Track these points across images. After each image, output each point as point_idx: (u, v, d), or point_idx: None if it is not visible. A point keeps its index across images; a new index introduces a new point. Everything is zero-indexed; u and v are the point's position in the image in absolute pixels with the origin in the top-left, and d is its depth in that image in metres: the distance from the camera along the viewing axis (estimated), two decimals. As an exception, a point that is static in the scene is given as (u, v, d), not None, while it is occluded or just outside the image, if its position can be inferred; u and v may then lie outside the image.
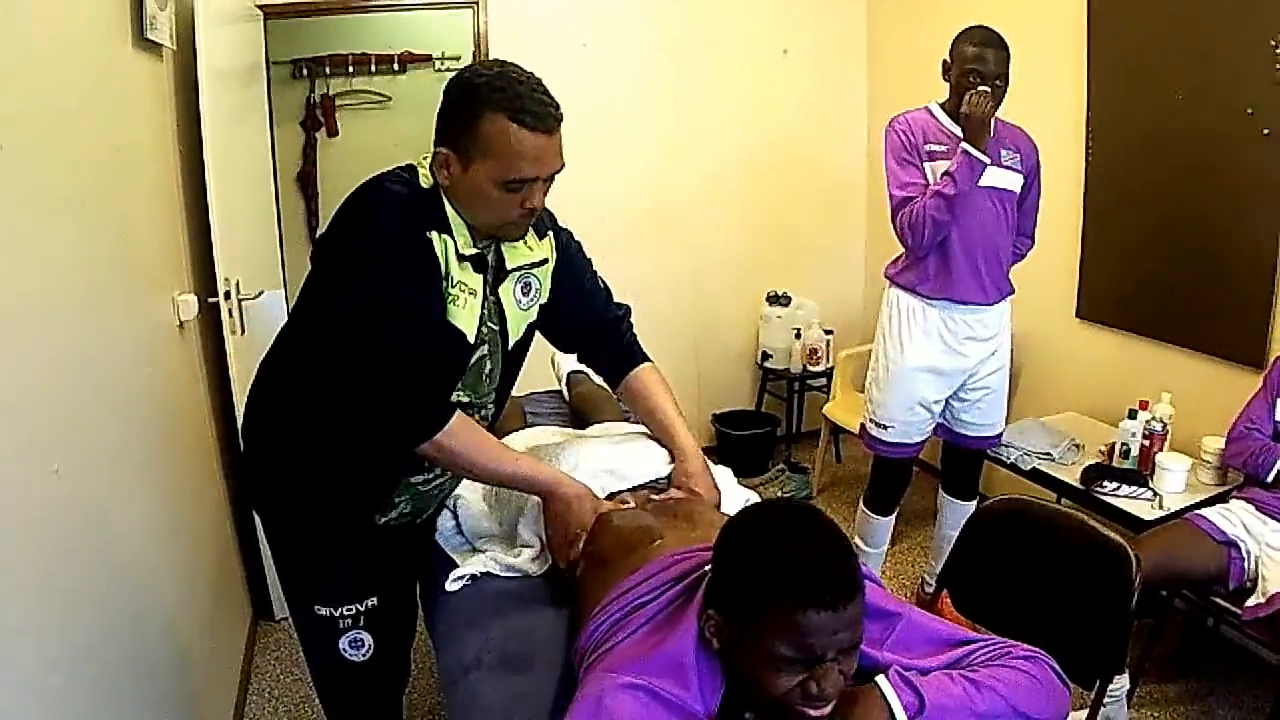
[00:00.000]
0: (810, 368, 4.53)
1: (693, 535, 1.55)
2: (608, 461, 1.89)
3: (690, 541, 1.50)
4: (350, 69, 4.73)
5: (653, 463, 1.92)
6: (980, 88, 2.58)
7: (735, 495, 2.03)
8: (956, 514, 3.13)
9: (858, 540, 3.23)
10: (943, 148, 2.74)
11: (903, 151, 2.79)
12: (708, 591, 1.26)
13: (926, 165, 2.77)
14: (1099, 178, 3.40)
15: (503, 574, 1.81)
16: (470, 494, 1.98)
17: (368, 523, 1.81)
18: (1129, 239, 3.35)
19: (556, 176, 1.60)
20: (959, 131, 2.68)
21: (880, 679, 1.20)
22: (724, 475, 2.04)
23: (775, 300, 4.62)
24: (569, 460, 1.88)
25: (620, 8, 4.31)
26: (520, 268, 1.75)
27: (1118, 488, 2.82)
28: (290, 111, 4.69)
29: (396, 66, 4.79)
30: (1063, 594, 1.89)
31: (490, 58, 3.49)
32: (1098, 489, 2.84)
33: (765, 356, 4.64)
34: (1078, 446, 3.13)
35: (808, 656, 1.10)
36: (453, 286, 1.60)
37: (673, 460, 1.93)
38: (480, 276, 1.66)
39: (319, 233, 1.66)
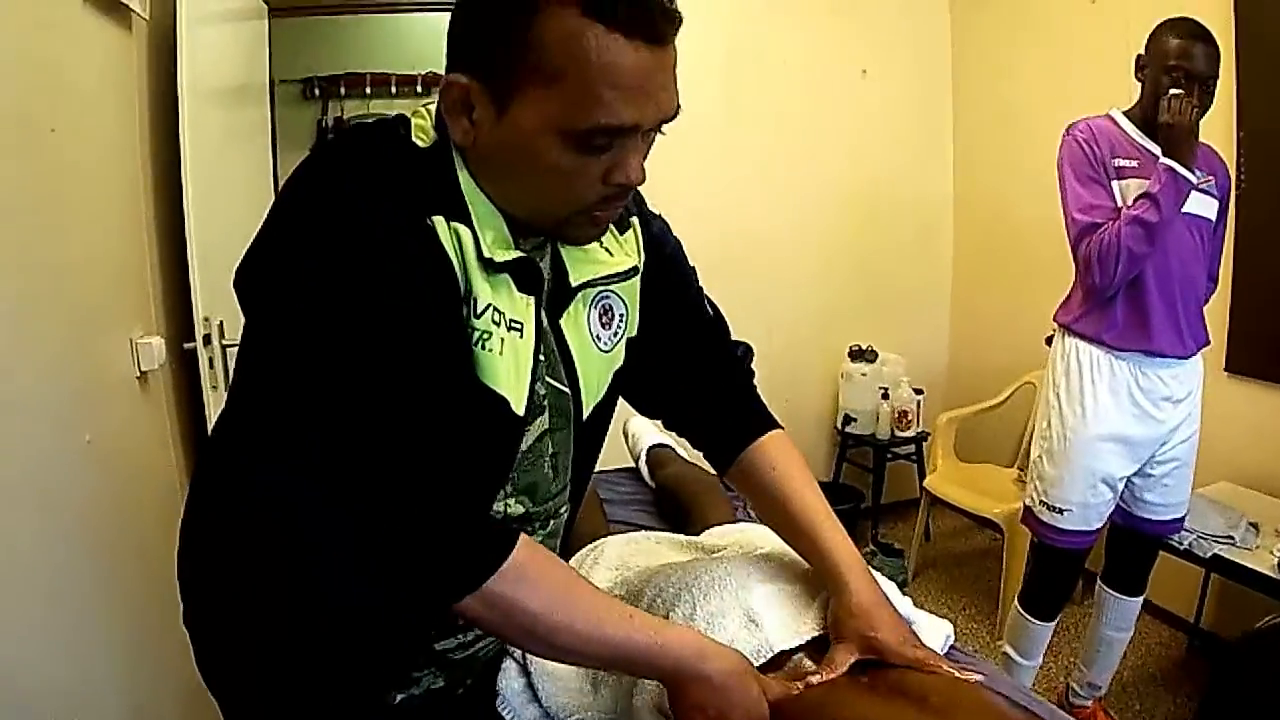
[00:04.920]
0: (899, 433, 4.09)
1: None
2: (760, 601, 1.24)
3: None
4: (368, 90, 4.40)
5: (812, 610, 1.27)
6: (1175, 91, 2.21)
7: (928, 627, 1.40)
8: (1122, 612, 2.73)
9: (1008, 650, 2.75)
10: (1133, 163, 2.34)
11: (1086, 166, 2.36)
12: None
13: (1115, 184, 2.35)
14: (1252, 210, 3.04)
15: None
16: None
17: (376, 706, 1.15)
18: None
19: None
20: (1150, 145, 2.33)
21: None
22: (901, 600, 1.38)
23: (859, 355, 4.18)
24: (708, 597, 1.24)
25: (685, 19, 3.83)
26: (593, 282, 1.13)
27: (1329, 580, 2.43)
28: (299, 135, 4.32)
29: (420, 89, 4.43)
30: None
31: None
32: (1306, 582, 2.43)
33: (848, 420, 4.19)
34: (1254, 526, 2.74)
35: None
36: (477, 316, 0.98)
37: (827, 589, 1.26)
38: (528, 299, 1.04)
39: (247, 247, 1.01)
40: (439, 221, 0.95)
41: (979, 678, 1.15)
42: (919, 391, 4.11)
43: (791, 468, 1.32)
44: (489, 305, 0.98)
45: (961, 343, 4.56)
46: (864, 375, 4.13)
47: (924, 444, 4.11)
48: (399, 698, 1.16)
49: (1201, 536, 2.66)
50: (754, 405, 1.37)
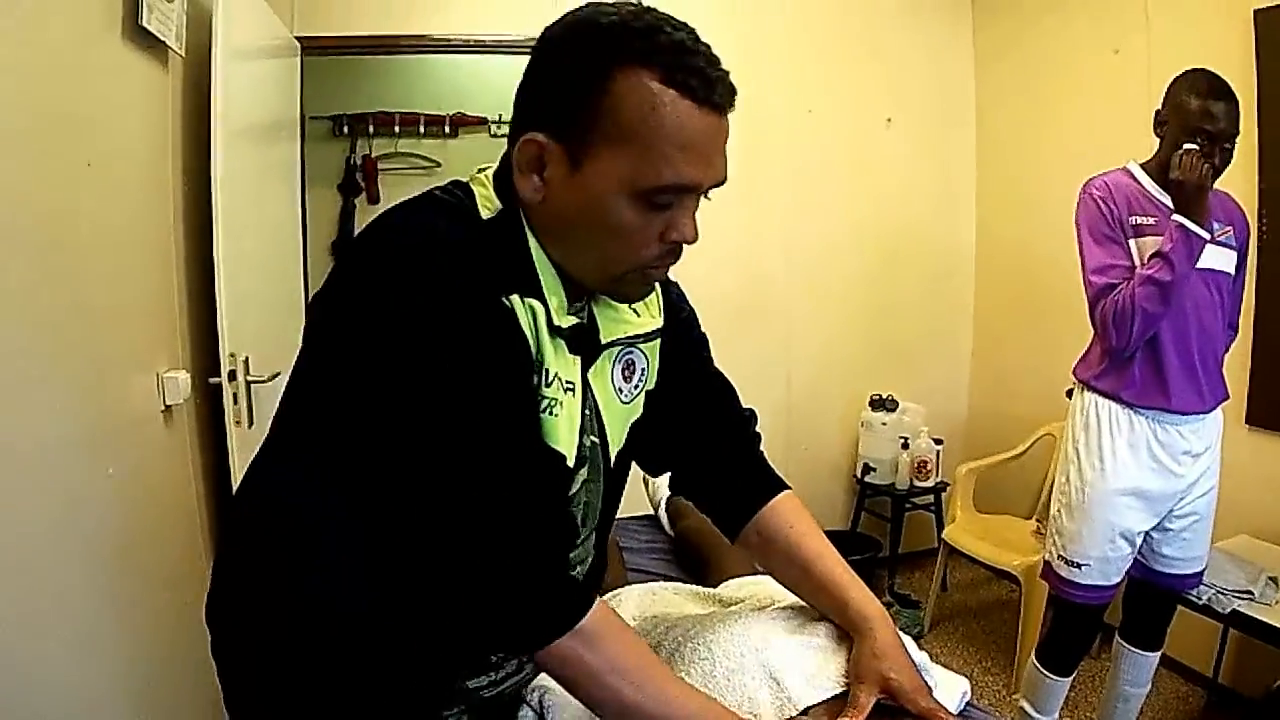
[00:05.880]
0: (918, 483, 4.04)
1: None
2: (779, 659, 1.24)
3: None
4: (397, 129, 4.47)
5: (832, 665, 1.27)
6: (1188, 145, 2.19)
7: (945, 683, 1.37)
8: (1139, 668, 2.67)
9: (1025, 705, 2.69)
10: (1151, 220, 2.31)
11: (1102, 225, 2.34)
12: None
13: (1132, 242, 2.33)
14: (1274, 261, 3.01)
15: None
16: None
17: None
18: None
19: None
20: (1167, 200, 2.29)
21: None
22: (917, 652, 1.37)
23: (879, 405, 4.14)
24: (728, 654, 1.24)
25: None
26: (620, 341, 1.18)
27: (1349, 635, 2.39)
28: (327, 173, 4.42)
29: (448, 129, 4.53)
30: None
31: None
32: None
33: (867, 469, 4.15)
34: (1274, 580, 2.69)
35: None
36: (547, 385, 1.05)
37: (847, 637, 1.28)
38: (577, 360, 1.10)
39: (316, 291, 1.07)
40: (515, 300, 1.01)
41: None
42: (939, 441, 4.06)
43: (809, 527, 1.35)
44: (556, 375, 1.05)
45: (982, 393, 4.53)
46: (884, 425, 4.09)
47: (943, 494, 4.05)
48: None
49: (1220, 591, 2.62)
50: (764, 467, 1.40)
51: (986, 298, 4.46)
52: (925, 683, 1.23)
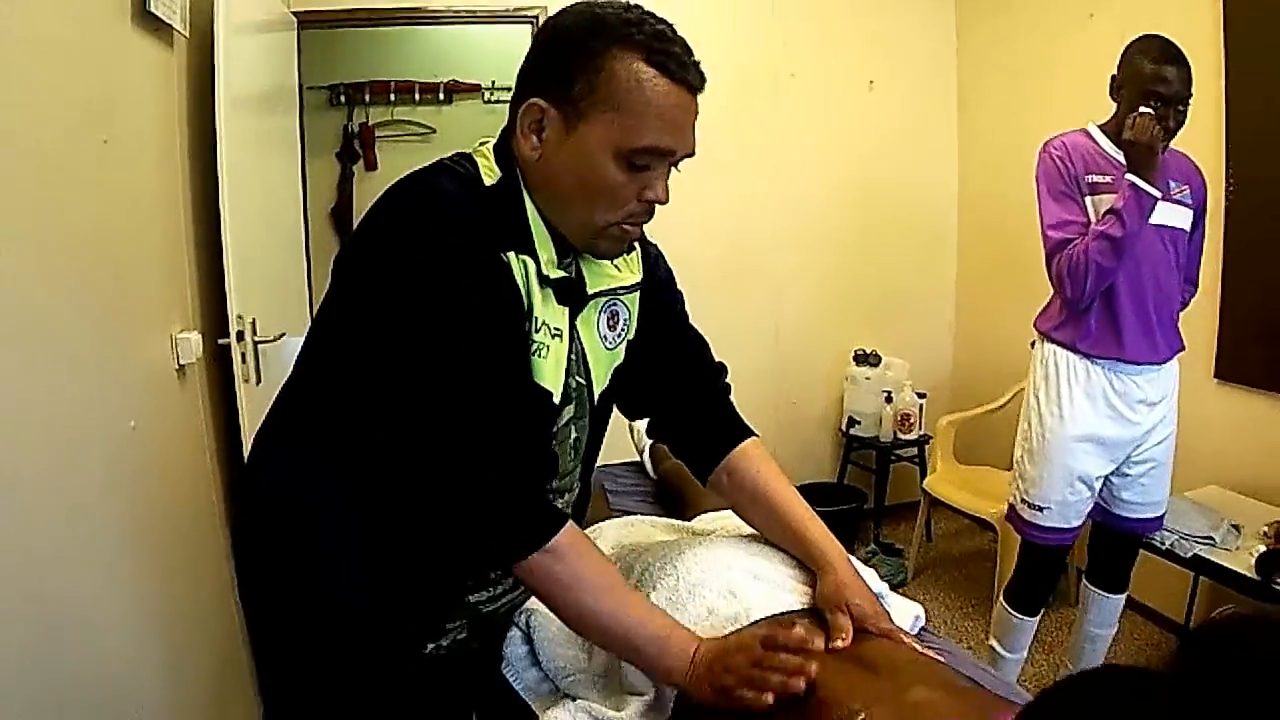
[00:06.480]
0: (902, 435, 4.12)
1: (906, 700, 1.03)
2: (740, 576, 1.37)
3: (910, 714, 1.00)
4: (393, 97, 4.52)
5: (788, 586, 1.40)
6: (1143, 109, 2.25)
7: (898, 607, 1.51)
8: (1104, 610, 2.77)
9: (994, 644, 2.78)
10: (1107, 179, 2.37)
11: (1059, 182, 2.41)
12: None
13: (1088, 199, 2.39)
14: (1241, 220, 3.05)
15: None
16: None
17: (408, 654, 1.31)
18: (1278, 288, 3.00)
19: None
20: (1125, 160, 2.35)
21: None
22: (875, 581, 1.51)
23: (863, 360, 4.23)
24: (690, 570, 1.38)
25: (694, 32, 3.77)
26: (605, 292, 1.33)
27: (1305, 580, 2.41)
28: (325, 141, 4.47)
29: (442, 96, 4.58)
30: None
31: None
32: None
33: (852, 423, 4.23)
34: (1236, 528, 2.75)
35: None
36: (536, 331, 1.19)
37: (810, 572, 1.42)
38: (565, 310, 1.24)
39: (339, 251, 1.24)
40: (511, 257, 1.16)
41: (939, 657, 1.28)
42: (922, 395, 4.13)
43: (774, 471, 1.49)
44: (544, 322, 1.20)
45: (965, 348, 4.59)
46: (868, 379, 4.16)
47: (926, 447, 4.13)
48: (429, 647, 1.33)
49: (1183, 537, 2.68)
50: (733, 414, 1.53)
51: (969, 256, 4.51)
52: (884, 608, 1.36)
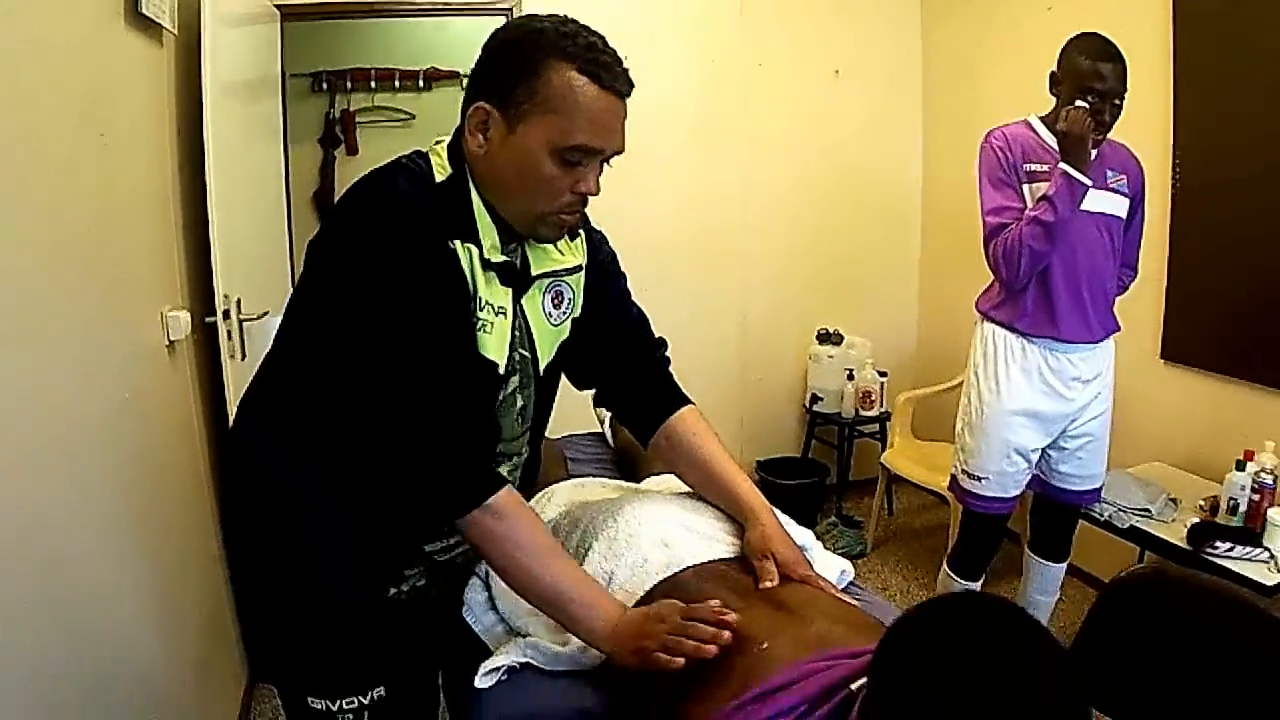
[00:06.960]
0: (863, 412, 4.24)
1: (808, 633, 1.18)
2: (673, 528, 1.53)
3: (809, 643, 1.15)
4: (373, 84, 4.54)
5: (717, 538, 1.56)
6: (1079, 103, 2.36)
7: (824, 560, 1.68)
8: (1046, 578, 2.92)
9: None
10: (1044, 167, 2.49)
11: (998, 170, 2.52)
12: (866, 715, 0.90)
13: (1025, 187, 2.51)
14: (1188, 204, 3.15)
15: (547, 667, 1.42)
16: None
17: (374, 597, 1.47)
18: (1222, 272, 3.09)
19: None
20: (1059, 149, 2.45)
21: None
22: (803, 535, 1.68)
23: (826, 339, 4.35)
24: (628, 523, 1.53)
25: (663, 23, 4.07)
26: (549, 274, 1.48)
27: (1231, 549, 2.55)
28: (308, 127, 4.48)
29: (422, 83, 4.59)
30: (1235, 697, 1.48)
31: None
32: (1209, 550, 2.56)
33: (815, 399, 4.35)
34: (1174, 502, 2.87)
35: None
36: (480, 310, 1.35)
37: (739, 524, 1.58)
38: (509, 290, 1.40)
39: (310, 239, 1.37)
40: (458, 244, 1.31)
41: (855, 602, 1.44)
42: (883, 374, 4.23)
43: (708, 435, 1.65)
44: (487, 301, 1.34)
45: (928, 328, 4.69)
46: (831, 357, 4.27)
47: (887, 423, 4.23)
48: (392, 591, 1.49)
49: (1122, 509, 2.79)
50: (671, 383, 1.70)
51: (933, 239, 4.61)
52: (805, 558, 1.52)
